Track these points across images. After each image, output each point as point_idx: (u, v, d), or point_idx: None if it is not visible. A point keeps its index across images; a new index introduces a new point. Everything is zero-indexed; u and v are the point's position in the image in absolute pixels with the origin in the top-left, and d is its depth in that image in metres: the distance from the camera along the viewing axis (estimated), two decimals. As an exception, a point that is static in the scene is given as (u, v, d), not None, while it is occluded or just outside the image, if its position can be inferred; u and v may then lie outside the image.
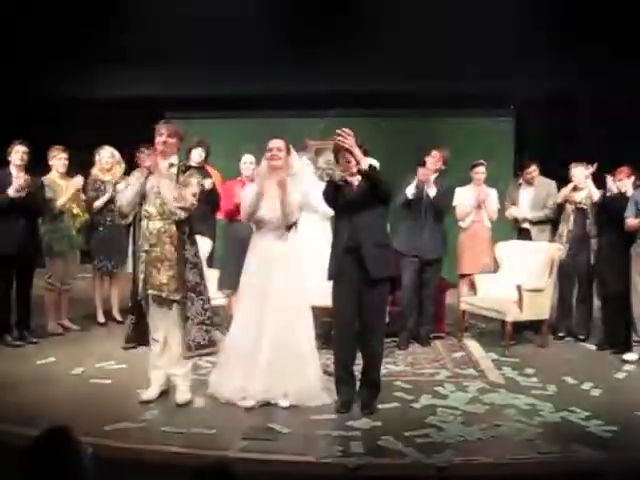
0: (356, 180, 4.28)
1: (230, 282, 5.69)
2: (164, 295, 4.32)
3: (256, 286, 4.45)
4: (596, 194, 5.90)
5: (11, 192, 5.47)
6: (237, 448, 3.69)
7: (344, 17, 6.58)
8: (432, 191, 5.76)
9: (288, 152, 4.55)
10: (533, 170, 6.51)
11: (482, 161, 6.70)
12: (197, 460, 3.40)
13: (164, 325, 4.40)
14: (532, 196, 6.48)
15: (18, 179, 5.50)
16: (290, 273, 4.45)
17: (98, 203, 6.30)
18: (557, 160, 6.41)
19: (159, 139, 4.34)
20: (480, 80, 7.95)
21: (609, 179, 5.77)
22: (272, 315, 4.38)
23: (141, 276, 4.34)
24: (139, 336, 4.52)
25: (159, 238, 4.29)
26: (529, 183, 6.56)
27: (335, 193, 4.28)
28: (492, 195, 6.65)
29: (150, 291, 4.33)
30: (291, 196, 4.43)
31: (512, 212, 6.57)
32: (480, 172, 6.63)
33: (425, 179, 5.73)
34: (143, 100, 8.28)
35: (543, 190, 6.43)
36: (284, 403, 4.35)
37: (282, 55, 7.20)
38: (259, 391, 4.36)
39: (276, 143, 4.52)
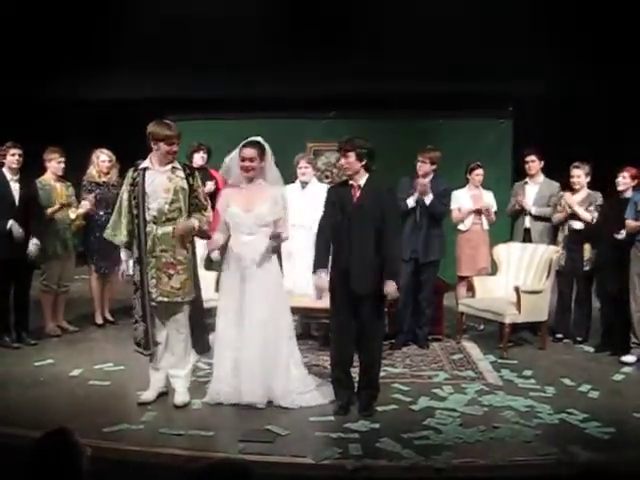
0: (357, 184, 4.27)
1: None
2: (178, 300, 4.29)
3: (234, 288, 4.40)
4: (587, 217, 5.90)
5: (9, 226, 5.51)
6: (235, 450, 3.69)
7: (343, 18, 6.59)
8: (428, 199, 5.74)
9: (262, 158, 4.41)
10: (531, 160, 6.48)
11: (479, 163, 6.70)
12: (195, 462, 3.40)
13: (168, 326, 4.39)
14: (536, 192, 6.45)
15: (17, 234, 5.52)
16: (267, 273, 4.40)
17: (81, 210, 6.17)
18: (556, 162, 6.41)
19: (170, 148, 4.23)
20: (479, 81, 7.96)
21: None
22: (250, 317, 4.35)
23: (153, 282, 4.27)
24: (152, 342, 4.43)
25: (169, 242, 4.26)
26: (530, 175, 6.51)
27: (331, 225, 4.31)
28: (489, 198, 6.65)
29: (160, 298, 4.28)
30: (275, 205, 4.38)
31: (520, 200, 6.41)
32: (478, 174, 6.63)
33: (423, 190, 5.69)
34: (143, 102, 8.27)
35: (547, 190, 6.41)
36: (260, 404, 4.34)
37: (282, 56, 7.21)
38: (242, 392, 4.36)
39: (248, 152, 4.37)
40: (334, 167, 8.72)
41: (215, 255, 6.22)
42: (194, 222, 4.30)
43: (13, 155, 5.63)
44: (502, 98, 8.61)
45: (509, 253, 6.35)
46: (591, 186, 6.09)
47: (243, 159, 4.37)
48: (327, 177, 8.73)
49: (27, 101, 8.43)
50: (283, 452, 3.72)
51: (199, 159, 6.59)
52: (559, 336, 6.20)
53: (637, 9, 6.38)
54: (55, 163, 6.09)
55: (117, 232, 4.39)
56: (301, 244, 5.51)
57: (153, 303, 4.30)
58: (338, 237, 4.30)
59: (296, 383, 4.45)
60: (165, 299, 4.28)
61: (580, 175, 6.05)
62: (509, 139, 8.81)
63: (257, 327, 4.34)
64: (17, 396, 4.52)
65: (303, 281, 5.25)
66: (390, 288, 4.19)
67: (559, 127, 8.37)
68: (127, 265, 4.49)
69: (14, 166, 5.64)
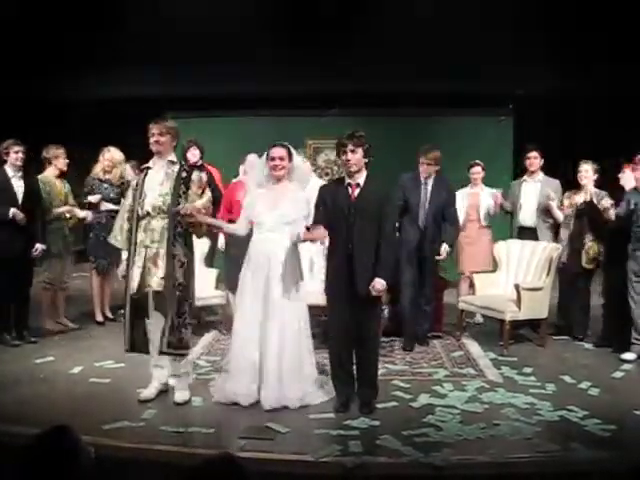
0: (355, 182, 4.24)
1: (234, 282, 5.69)
2: (161, 289, 4.28)
3: (256, 288, 4.40)
4: (593, 194, 5.87)
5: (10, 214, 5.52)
6: (235, 447, 3.69)
7: (344, 17, 6.57)
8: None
9: (290, 159, 4.46)
10: (534, 156, 6.43)
11: (478, 161, 6.71)
12: (196, 459, 3.40)
13: (163, 322, 4.38)
14: (538, 190, 6.39)
15: (17, 215, 5.54)
16: (288, 274, 4.40)
17: (80, 215, 6.24)
18: (556, 160, 6.40)
19: (151, 140, 4.38)
20: (480, 80, 7.95)
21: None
22: (272, 317, 4.35)
23: (138, 271, 4.30)
24: (141, 342, 4.44)
25: (162, 235, 4.30)
26: (530, 172, 6.48)
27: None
28: (487, 195, 6.61)
29: (148, 288, 4.30)
30: (298, 204, 4.40)
31: (520, 220, 6.49)
32: (476, 172, 6.64)
33: None
34: (143, 100, 8.26)
35: (547, 188, 6.33)
36: (290, 404, 4.33)
37: (282, 54, 7.19)
38: (263, 396, 4.34)
39: (278, 152, 4.42)
40: (334, 164, 8.73)
41: (221, 243, 6.24)
42: (197, 203, 4.36)
43: (17, 152, 5.65)
44: (502, 96, 8.60)
45: (509, 250, 6.35)
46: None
47: (273, 158, 4.42)
48: (327, 174, 8.74)
49: (30, 101, 8.43)
50: (283, 449, 3.72)
51: (191, 156, 6.65)
52: (560, 330, 6.18)
53: (637, 8, 6.37)
54: (62, 159, 6.15)
55: (119, 236, 4.50)
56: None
57: (136, 293, 4.31)
58: (336, 237, 4.25)
59: (307, 385, 4.44)
60: (154, 288, 4.28)
61: (588, 170, 5.98)
62: (509, 137, 8.82)
63: (279, 329, 4.34)
64: (17, 394, 4.52)
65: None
66: (379, 286, 4.13)
67: (559, 125, 8.37)
68: (125, 265, 4.51)
69: (18, 164, 5.66)
